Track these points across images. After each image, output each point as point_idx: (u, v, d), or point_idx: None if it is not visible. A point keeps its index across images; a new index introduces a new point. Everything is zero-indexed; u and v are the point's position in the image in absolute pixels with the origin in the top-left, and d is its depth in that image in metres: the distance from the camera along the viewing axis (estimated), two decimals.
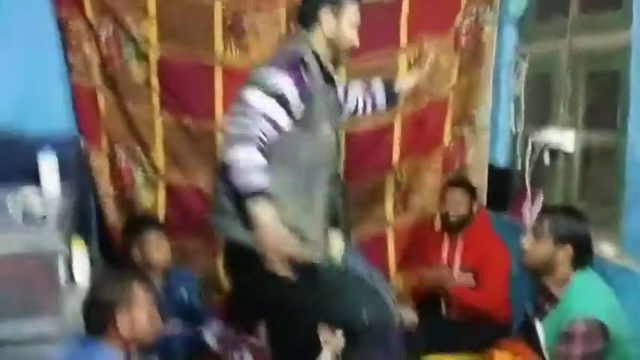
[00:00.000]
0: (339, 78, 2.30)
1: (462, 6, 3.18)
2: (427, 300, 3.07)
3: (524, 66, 3.11)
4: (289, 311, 2.08)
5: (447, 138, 3.36)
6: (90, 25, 2.89)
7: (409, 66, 3.17)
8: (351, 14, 2.15)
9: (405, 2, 3.12)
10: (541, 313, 2.28)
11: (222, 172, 2.00)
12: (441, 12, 3.18)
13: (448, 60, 3.23)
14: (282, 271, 1.93)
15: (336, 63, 2.21)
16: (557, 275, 2.19)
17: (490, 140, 3.39)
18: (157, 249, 2.66)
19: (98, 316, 1.83)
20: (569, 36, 2.78)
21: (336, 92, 2.27)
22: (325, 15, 2.10)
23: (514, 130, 3.21)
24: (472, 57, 3.28)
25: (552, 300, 2.21)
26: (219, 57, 3.02)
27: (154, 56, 2.96)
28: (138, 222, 2.81)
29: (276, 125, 1.95)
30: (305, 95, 1.99)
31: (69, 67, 2.91)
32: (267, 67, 2.00)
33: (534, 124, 3.07)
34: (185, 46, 2.98)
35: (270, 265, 1.92)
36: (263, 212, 1.90)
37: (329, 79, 2.16)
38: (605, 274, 2.31)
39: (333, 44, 2.15)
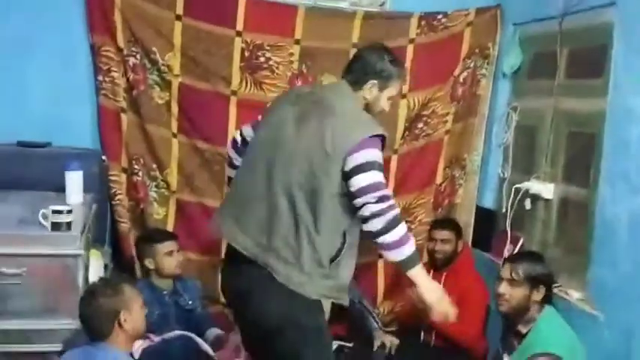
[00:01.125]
0: None
1: (461, 59, 3.45)
2: (409, 326, 3.29)
3: (515, 118, 3.37)
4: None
5: (439, 178, 3.61)
6: (120, 52, 3.14)
7: (408, 110, 3.44)
8: (393, 91, 2.30)
9: (409, 52, 3.40)
10: (510, 349, 2.50)
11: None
12: (441, 63, 3.45)
13: (444, 107, 3.49)
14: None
15: None
16: (527, 315, 2.41)
17: (480, 183, 3.64)
18: (170, 260, 2.93)
19: (103, 322, 2.03)
20: (554, 96, 3.04)
21: None
22: (372, 85, 2.24)
23: (502, 175, 3.46)
24: (468, 106, 3.54)
25: (519, 337, 2.43)
26: (234, 88, 3.27)
27: (175, 83, 3.21)
28: (155, 233, 3.07)
29: None
30: None
31: (97, 89, 3.16)
32: (369, 148, 2.08)
33: (520, 171, 3.31)
34: (204, 76, 3.24)
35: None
36: (425, 274, 2.18)
37: None
38: (571, 316, 2.55)
39: (366, 108, 2.28)
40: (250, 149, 2.35)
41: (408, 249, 2.10)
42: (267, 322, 2.19)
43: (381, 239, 2.07)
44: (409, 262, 2.12)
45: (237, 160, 2.51)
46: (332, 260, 2.17)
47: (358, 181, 2.06)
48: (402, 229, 2.08)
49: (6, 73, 3.10)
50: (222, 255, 2.97)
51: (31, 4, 3.07)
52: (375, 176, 2.07)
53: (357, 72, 2.26)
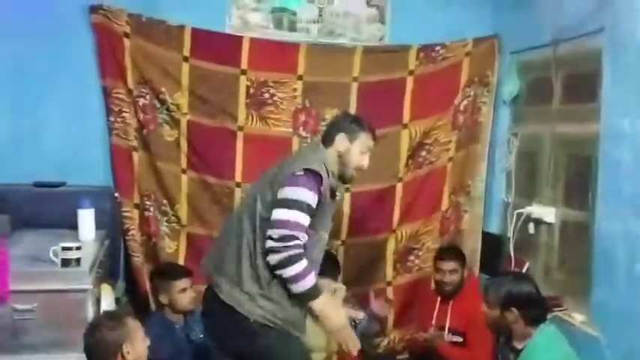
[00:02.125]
0: (341, 194, 2.65)
1: (461, 88, 3.54)
2: (420, 354, 3.32)
3: (516, 144, 3.42)
4: None
5: (444, 205, 3.66)
6: (130, 93, 3.28)
7: (410, 140, 3.52)
8: (363, 143, 2.46)
9: (409, 83, 3.49)
10: None
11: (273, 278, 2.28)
12: (442, 92, 3.54)
13: (446, 135, 3.56)
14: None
15: (343, 178, 2.49)
16: (516, 332, 2.43)
17: (485, 208, 3.67)
18: (184, 296, 2.99)
19: (107, 354, 2.08)
20: (551, 122, 3.10)
21: (335, 204, 2.54)
22: (341, 138, 2.44)
23: (506, 200, 3.50)
24: (469, 133, 3.60)
25: (515, 352, 2.45)
26: (241, 124, 3.39)
27: (184, 121, 3.34)
28: (170, 269, 3.14)
29: (307, 231, 2.27)
30: (318, 205, 2.30)
31: (110, 129, 3.30)
32: (295, 187, 2.25)
33: (523, 196, 3.36)
34: (212, 113, 3.37)
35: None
36: (324, 305, 2.30)
37: (332, 194, 2.44)
38: (575, 339, 2.57)
39: (342, 162, 2.45)
40: None
41: (303, 285, 2.23)
42: (214, 338, 2.50)
43: (277, 272, 2.23)
44: (306, 296, 2.27)
45: None
46: (269, 282, 2.29)
47: (274, 214, 2.24)
48: (295, 268, 2.20)
49: (23, 116, 3.26)
50: None
51: (45, 51, 3.23)
52: (288, 214, 2.22)
53: (328, 132, 2.50)
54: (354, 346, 2.36)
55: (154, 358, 2.83)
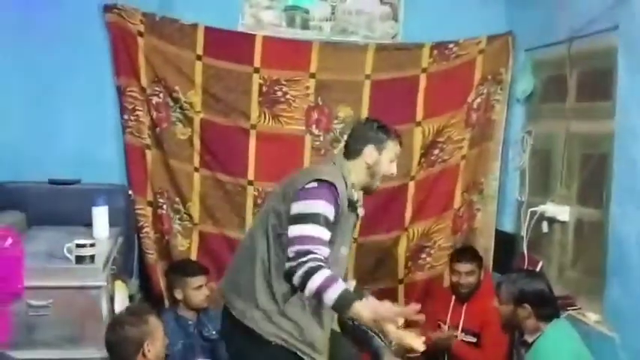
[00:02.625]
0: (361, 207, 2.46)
1: (474, 86, 3.52)
2: (432, 354, 3.31)
3: (530, 142, 3.40)
4: None
5: (457, 203, 3.65)
6: (144, 92, 3.30)
7: (423, 138, 3.51)
8: (391, 151, 2.35)
9: (422, 81, 3.48)
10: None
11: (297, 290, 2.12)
12: (455, 90, 3.52)
13: (460, 133, 3.55)
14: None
15: (369, 190, 2.41)
16: (529, 329, 2.44)
17: (498, 207, 3.65)
18: (199, 294, 3.03)
19: (129, 351, 2.11)
20: (566, 119, 3.07)
21: (356, 218, 2.43)
22: (370, 150, 2.32)
23: (520, 199, 3.48)
24: (483, 131, 3.58)
25: (527, 346, 2.46)
26: (254, 122, 3.40)
27: (197, 120, 3.36)
28: (186, 266, 3.16)
29: (327, 244, 2.10)
30: (336, 218, 2.16)
31: (124, 127, 3.32)
32: (307, 200, 2.13)
33: (537, 194, 3.33)
34: (224, 111, 3.38)
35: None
36: (361, 308, 1.93)
37: (353, 207, 2.33)
38: (589, 338, 2.56)
39: (371, 173, 2.35)
40: None
41: (331, 296, 1.96)
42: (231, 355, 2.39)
43: (304, 292, 2.04)
44: (338, 308, 2.00)
45: None
46: (287, 298, 2.19)
47: (289, 232, 2.11)
48: (316, 280, 1.98)
49: (38, 115, 3.29)
50: None
51: (60, 50, 3.26)
52: (302, 229, 2.08)
53: (352, 145, 2.36)
54: (413, 341, 1.99)
55: (167, 354, 2.89)
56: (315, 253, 2.02)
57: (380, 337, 3.26)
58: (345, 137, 2.47)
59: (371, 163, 2.33)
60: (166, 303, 3.34)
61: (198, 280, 3.04)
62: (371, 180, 2.36)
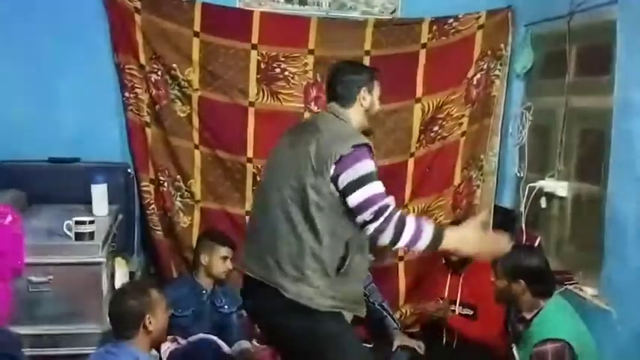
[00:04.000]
0: None
1: (474, 61, 3.50)
2: (431, 327, 3.34)
3: (529, 118, 3.39)
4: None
5: (457, 179, 3.65)
6: (142, 69, 3.30)
7: (423, 114, 3.50)
8: (377, 88, 2.39)
9: (422, 57, 3.46)
10: (517, 338, 2.55)
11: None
12: (454, 66, 3.50)
13: (459, 109, 3.54)
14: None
15: (368, 132, 2.38)
16: (524, 304, 2.46)
17: (497, 183, 3.66)
18: (223, 264, 3.07)
19: (130, 323, 2.14)
20: (565, 95, 3.05)
21: None
22: (364, 93, 2.32)
23: (519, 174, 3.48)
24: (482, 107, 3.57)
25: (525, 323, 2.47)
26: (252, 100, 3.40)
27: (195, 97, 3.36)
28: (220, 235, 3.17)
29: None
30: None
31: (125, 105, 3.32)
32: (353, 166, 2.11)
33: (536, 170, 3.33)
34: (223, 89, 3.38)
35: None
36: (454, 242, 2.14)
37: None
38: (586, 313, 2.57)
39: (369, 116, 2.37)
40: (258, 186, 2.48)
41: (425, 239, 2.09)
42: (286, 338, 2.29)
43: (396, 247, 2.11)
44: (432, 246, 2.11)
45: None
46: (338, 270, 2.20)
47: (352, 200, 2.10)
48: (409, 229, 2.07)
49: (37, 93, 3.30)
50: None
51: (59, 27, 3.26)
52: (367, 191, 2.09)
53: (344, 91, 2.32)
54: (504, 243, 2.23)
55: (177, 315, 2.94)
56: (391, 205, 2.08)
57: (392, 318, 3.32)
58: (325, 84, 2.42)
59: (367, 107, 2.33)
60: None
61: (227, 251, 3.08)
62: (368, 122, 2.37)
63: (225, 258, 3.08)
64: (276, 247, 2.22)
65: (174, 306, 2.95)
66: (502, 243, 2.25)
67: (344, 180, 2.11)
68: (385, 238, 2.07)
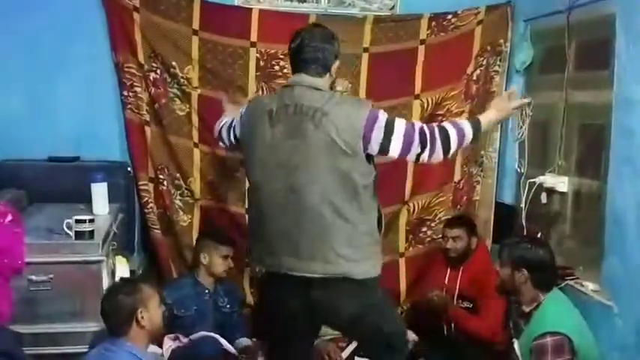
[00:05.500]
0: None
1: (473, 57, 3.49)
2: (432, 321, 3.34)
3: (529, 113, 3.38)
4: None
5: (457, 176, 3.64)
6: (141, 68, 3.29)
7: (422, 111, 3.49)
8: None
9: (420, 53, 3.46)
10: (518, 332, 2.55)
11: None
12: (454, 62, 3.49)
13: (459, 105, 3.52)
14: None
15: None
16: (524, 295, 2.47)
17: (498, 179, 3.66)
18: (223, 263, 3.08)
19: (122, 319, 2.14)
20: (565, 90, 3.05)
21: None
22: (336, 64, 2.39)
23: (519, 170, 3.48)
24: (482, 103, 3.52)
25: (525, 317, 2.48)
26: (251, 97, 3.36)
27: (194, 95, 3.35)
28: (220, 234, 3.19)
29: None
30: None
31: (124, 103, 3.32)
32: (375, 121, 2.21)
33: (536, 166, 3.33)
34: (222, 87, 3.35)
35: None
36: (491, 118, 2.40)
37: None
38: (587, 308, 2.58)
39: (331, 85, 2.46)
40: (257, 184, 2.37)
41: (468, 133, 2.30)
42: (346, 320, 2.38)
43: (451, 154, 2.33)
44: (476, 135, 2.35)
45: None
46: (380, 230, 2.39)
47: (393, 152, 2.23)
48: (452, 134, 2.26)
49: (37, 92, 3.30)
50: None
51: (58, 26, 3.26)
52: (398, 134, 2.21)
53: (323, 60, 2.32)
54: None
55: (179, 316, 2.94)
56: (424, 126, 2.25)
57: None
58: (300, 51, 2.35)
59: (334, 76, 2.40)
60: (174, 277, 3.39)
61: (227, 250, 3.09)
62: None
63: (225, 257, 3.08)
64: (327, 239, 2.23)
65: (177, 306, 2.98)
66: (504, 101, 2.44)
67: (374, 144, 2.21)
68: (439, 155, 2.27)
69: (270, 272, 2.41)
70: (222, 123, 2.65)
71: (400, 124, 2.23)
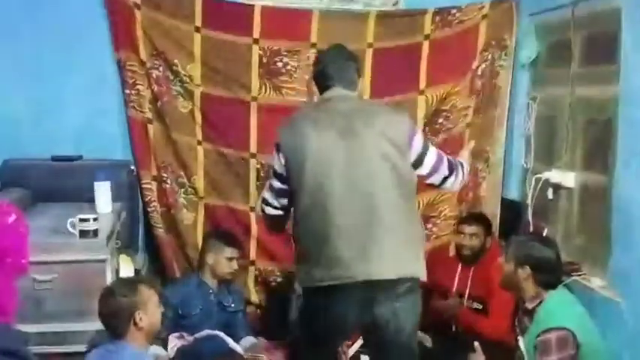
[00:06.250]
0: None
1: (478, 52, 3.46)
2: (441, 319, 3.32)
3: (535, 108, 3.36)
4: None
5: None
6: (143, 65, 3.28)
7: (427, 106, 3.47)
8: None
9: (425, 48, 3.43)
10: (523, 329, 2.53)
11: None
12: (458, 58, 3.47)
13: (464, 101, 3.50)
14: None
15: None
16: (526, 292, 2.46)
17: (504, 175, 3.63)
18: (228, 264, 3.06)
19: (120, 321, 2.10)
20: (571, 84, 3.03)
21: None
22: (360, 82, 2.44)
23: (525, 166, 3.46)
24: (488, 98, 3.53)
25: (529, 314, 2.47)
26: (254, 94, 3.38)
27: (197, 93, 3.34)
28: (227, 235, 3.18)
29: None
30: None
31: (126, 102, 3.31)
32: (415, 132, 2.31)
33: (542, 161, 3.31)
34: (225, 84, 3.36)
35: None
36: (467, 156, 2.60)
37: None
38: (594, 304, 2.56)
39: None
40: (315, 191, 2.22)
41: (466, 167, 2.48)
42: (408, 328, 2.29)
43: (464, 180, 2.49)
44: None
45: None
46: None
47: (427, 165, 2.31)
48: (465, 166, 2.46)
49: (39, 92, 3.30)
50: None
51: (61, 27, 3.25)
52: (432, 153, 2.33)
53: (354, 77, 2.36)
54: None
55: (184, 315, 2.93)
56: (449, 155, 2.42)
57: None
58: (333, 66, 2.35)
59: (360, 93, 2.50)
60: (177, 275, 3.39)
61: (233, 252, 3.07)
62: None
63: (230, 259, 3.07)
64: (392, 241, 2.19)
65: (182, 306, 2.97)
66: None
67: (414, 153, 2.27)
68: (459, 183, 2.44)
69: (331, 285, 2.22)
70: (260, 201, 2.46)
71: (432, 146, 2.37)
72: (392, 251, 2.19)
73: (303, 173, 2.21)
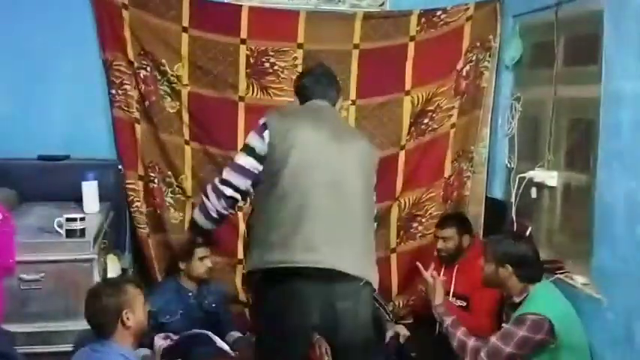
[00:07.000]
0: None
1: (463, 53, 3.50)
2: (423, 318, 3.35)
3: (518, 109, 3.40)
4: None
5: (447, 171, 3.66)
6: (131, 65, 3.28)
7: (413, 107, 3.51)
8: None
9: (410, 49, 3.47)
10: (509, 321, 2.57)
11: None
12: (443, 58, 3.51)
13: (449, 101, 3.54)
14: None
15: None
16: (514, 289, 2.52)
17: (488, 174, 3.68)
18: (201, 264, 3.06)
19: (107, 321, 2.11)
20: (554, 85, 3.07)
21: None
22: (341, 100, 2.61)
23: (509, 165, 3.50)
24: (472, 99, 3.58)
25: (516, 307, 2.52)
26: (242, 94, 3.39)
27: (185, 93, 3.35)
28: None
29: None
30: None
31: (112, 101, 3.31)
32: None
33: (526, 161, 3.35)
34: (212, 84, 3.37)
35: None
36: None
37: None
38: (577, 301, 2.60)
39: None
40: (296, 178, 2.25)
41: None
42: (365, 330, 2.36)
43: None
44: None
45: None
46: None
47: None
48: None
49: (26, 91, 3.29)
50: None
51: (47, 26, 3.25)
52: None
53: (336, 93, 2.50)
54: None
55: (165, 322, 2.93)
56: None
57: (386, 311, 3.33)
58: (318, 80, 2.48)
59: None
60: (158, 277, 3.38)
61: (202, 251, 3.06)
62: None
63: (202, 258, 3.06)
64: (359, 243, 2.31)
65: (162, 313, 2.96)
66: None
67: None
68: None
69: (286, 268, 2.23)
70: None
71: None
72: (359, 252, 2.31)
73: (289, 155, 2.23)
